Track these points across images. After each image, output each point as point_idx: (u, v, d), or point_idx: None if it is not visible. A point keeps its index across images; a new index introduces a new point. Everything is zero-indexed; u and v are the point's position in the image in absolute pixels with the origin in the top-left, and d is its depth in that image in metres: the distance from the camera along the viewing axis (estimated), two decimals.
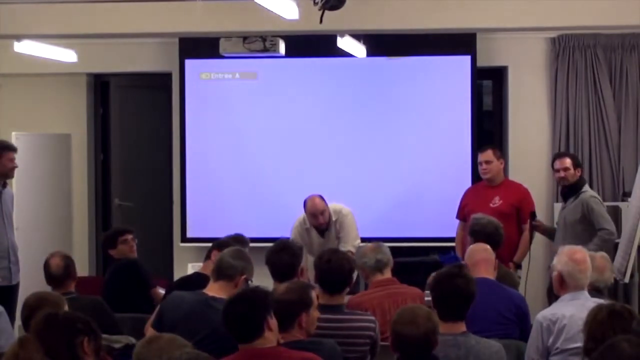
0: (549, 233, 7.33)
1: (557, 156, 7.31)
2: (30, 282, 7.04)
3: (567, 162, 7.02)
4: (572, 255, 4.63)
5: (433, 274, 5.67)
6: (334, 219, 7.20)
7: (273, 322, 3.79)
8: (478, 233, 5.98)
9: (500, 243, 6.06)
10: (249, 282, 5.74)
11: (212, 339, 4.38)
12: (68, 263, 5.35)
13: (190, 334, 4.14)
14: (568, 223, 6.91)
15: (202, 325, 4.52)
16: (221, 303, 4.60)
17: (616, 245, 7.13)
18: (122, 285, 6.27)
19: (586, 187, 7.07)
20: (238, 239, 5.86)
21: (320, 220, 7.09)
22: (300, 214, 7.25)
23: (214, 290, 4.73)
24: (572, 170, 6.98)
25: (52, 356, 3.45)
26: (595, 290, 4.76)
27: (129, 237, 6.55)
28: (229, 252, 4.86)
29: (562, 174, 7.01)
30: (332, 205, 7.22)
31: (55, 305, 4.24)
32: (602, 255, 5.23)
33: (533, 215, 7.08)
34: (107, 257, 9.32)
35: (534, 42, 8.46)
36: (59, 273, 5.32)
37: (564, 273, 4.60)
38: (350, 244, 7.09)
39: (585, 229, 6.83)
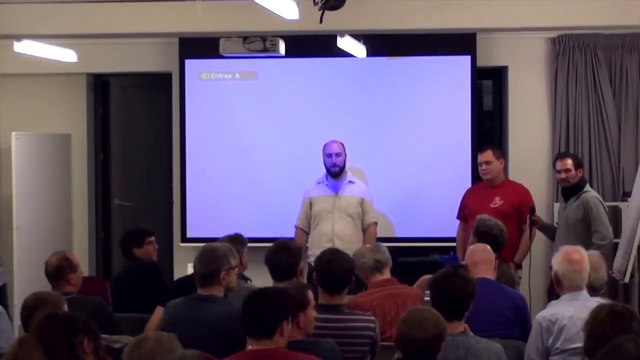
0: (547, 230, 7.32)
1: (558, 157, 7.31)
2: (30, 282, 7.04)
3: (569, 163, 7.01)
4: (567, 256, 4.63)
5: (422, 277, 5.73)
6: (360, 184, 7.43)
7: (288, 328, 3.80)
8: (484, 234, 5.98)
9: (504, 246, 6.07)
10: (248, 281, 5.76)
11: (210, 338, 4.39)
12: (62, 265, 5.31)
13: (190, 333, 4.15)
14: (570, 223, 6.91)
15: (200, 324, 4.52)
16: (218, 301, 4.62)
17: (616, 245, 7.13)
18: (141, 285, 6.16)
19: (588, 187, 7.07)
20: (236, 239, 5.85)
21: (334, 160, 7.31)
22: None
23: (206, 292, 4.74)
24: (573, 172, 6.98)
25: (52, 356, 3.45)
26: (592, 289, 4.75)
27: (154, 239, 6.52)
28: (199, 260, 4.79)
29: (563, 175, 7.02)
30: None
31: (55, 305, 4.24)
32: (595, 254, 5.18)
33: (532, 210, 7.06)
34: (108, 256, 9.39)
35: (534, 42, 8.46)
36: (50, 273, 5.31)
37: (559, 273, 4.61)
38: (374, 215, 7.38)
39: (587, 229, 6.83)
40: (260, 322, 3.75)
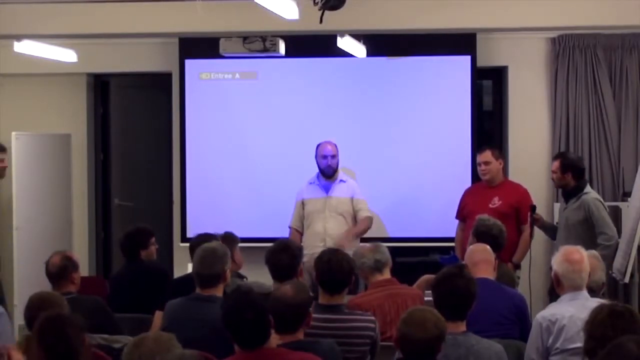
0: (549, 229, 7.32)
1: (553, 157, 7.36)
2: (30, 282, 7.04)
3: (555, 165, 7.03)
4: (567, 256, 4.63)
5: (422, 277, 5.73)
6: (351, 183, 7.44)
7: (272, 323, 3.80)
8: (483, 234, 5.96)
9: (503, 246, 6.06)
10: (244, 279, 5.77)
11: (210, 338, 4.39)
12: (65, 264, 5.29)
13: (190, 334, 4.15)
14: (570, 224, 6.90)
15: (200, 324, 4.53)
16: (218, 301, 4.61)
17: (617, 245, 7.13)
18: (150, 290, 6.00)
19: (588, 189, 7.05)
20: (227, 237, 5.83)
21: (329, 162, 7.34)
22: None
23: (207, 292, 4.73)
24: (558, 174, 6.97)
25: (53, 357, 3.46)
26: (589, 291, 4.74)
27: (154, 239, 6.48)
28: (202, 262, 4.78)
29: (552, 175, 7.09)
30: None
31: (56, 305, 4.24)
32: (593, 254, 5.16)
33: (533, 208, 7.06)
34: (108, 256, 9.39)
35: (534, 42, 8.46)
36: (53, 272, 5.29)
37: (559, 273, 4.62)
38: (367, 210, 7.37)
39: (588, 230, 6.82)
40: (255, 334, 3.73)
